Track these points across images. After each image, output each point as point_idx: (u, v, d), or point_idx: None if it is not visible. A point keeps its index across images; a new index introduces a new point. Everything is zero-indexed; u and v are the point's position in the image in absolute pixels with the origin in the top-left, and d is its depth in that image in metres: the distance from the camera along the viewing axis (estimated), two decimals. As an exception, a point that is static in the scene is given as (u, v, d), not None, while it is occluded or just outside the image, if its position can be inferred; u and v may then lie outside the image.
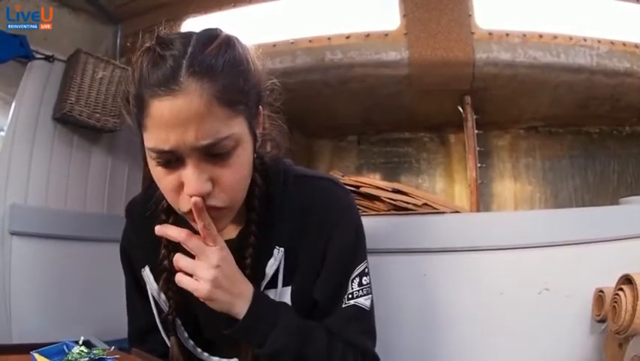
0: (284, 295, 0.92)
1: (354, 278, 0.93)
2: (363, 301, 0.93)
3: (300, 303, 0.93)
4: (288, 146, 0.96)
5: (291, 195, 0.93)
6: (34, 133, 2.16)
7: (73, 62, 2.18)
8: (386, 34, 2.41)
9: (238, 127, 0.76)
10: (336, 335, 0.91)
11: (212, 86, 0.71)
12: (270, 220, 0.91)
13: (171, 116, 0.70)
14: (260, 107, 0.84)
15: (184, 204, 0.77)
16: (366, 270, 0.96)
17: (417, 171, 3.27)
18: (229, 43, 0.77)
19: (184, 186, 0.75)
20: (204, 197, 0.75)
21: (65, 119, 2.22)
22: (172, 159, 0.74)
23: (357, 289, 0.93)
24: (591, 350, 1.43)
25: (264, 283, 0.90)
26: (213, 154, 0.74)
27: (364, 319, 0.95)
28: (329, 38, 2.45)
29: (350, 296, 0.92)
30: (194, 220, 0.79)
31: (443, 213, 1.67)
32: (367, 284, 0.95)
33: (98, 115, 2.22)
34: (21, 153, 2.12)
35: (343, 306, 0.92)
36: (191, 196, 0.74)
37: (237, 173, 0.78)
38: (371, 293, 0.96)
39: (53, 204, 2.22)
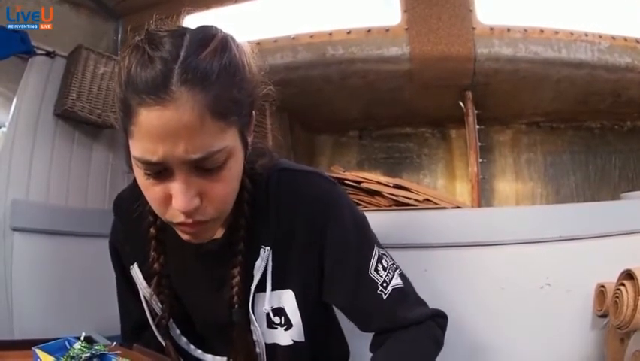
0: (280, 298, 0.90)
1: (376, 268, 0.90)
2: (396, 281, 0.90)
3: (307, 307, 0.91)
4: (285, 148, 0.94)
5: (274, 191, 0.89)
6: (35, 129, 2.16)
7: (75, 58, 2.19)
8: (387, 30, 2.40)
9: (230, 139, 0.72)
10: (400, 323, 0.90)
11: (205, 97, 0.66)
12: (253, 219, 0.88)
13: (160, 127, 0.65)
14: (252, 113, 0.80)
15: (172, 215, 0.74)
16: (381, 252, 0.92)
17: (418, 166, 3.27)
18: (225, 46, 0.71)
19: (172, 199, 0.72)
20: (191, 212, 0.72)
21: (66, 115, 2.22)
22: (160, 170, 0.70)
23: (385, 274, 0.90)
24: (593, 345, 1.43)
25: (254, 286, 0.88)
26: (204, 168, 0.70)
27: (409, 293, 0.93)
28: (330, 34, 2.45)
29: (385, 284, 0.89)
30: (181, 231, 0.78)
31: (444, 208, 1.67)
32: (390, 264, 0.93)
33: (99, 111, 2.22)
34: (22, 149, 2.12)
35: (385, 298, 0.88)
36: (180, 212, 0.72)
37: (227, 186, 0.75)
38: (397, 267, 0.94)
39: (54, 200, 2.22)
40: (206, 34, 0.72)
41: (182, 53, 0.67)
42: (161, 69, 0.65)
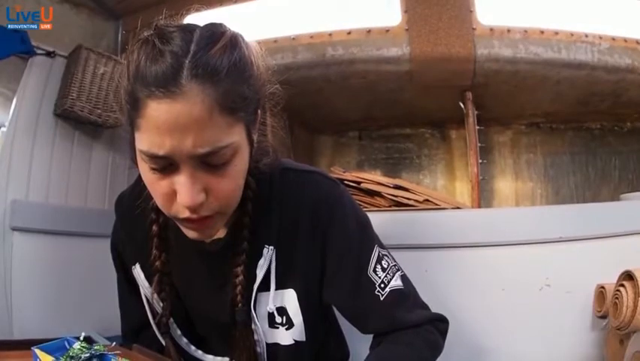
0: (282, 298, 0.90)
1: (374, 268, 0.89)
2: (396, 283, 0.90)
3: (308, 306, 0.91)
4: (286, 148, 0.93)
5: (277, 191, 0.89)
6: (35, 129, 2.16)
7: (75, 58, 2.18)
8: (387, 30, 2.40)
9: (237, 135, 0.72)
10: (397, 325, 0.89)
11: (214, 92, 0.66)
12: (257, 218, 0.88)
13: (169, 120, 0.65)
14: (258, 111, 0.80)
15: (178, 210, 0.74)
16: (382, 253, 0.92)
17: (418, 167, 3.27)
18: (235, 43, 0.71)
19: (177, 194, 0.71)
20: (197, 207, 0.72)
21: (66, 115, 2.22)
22: (165, 165, 0.69)
23: (384, 275, 0.89)
24: (592, 346, 1.43)
25: (256, 285, 0.87)
26: (210, 163, 0.70)
27: (408, 295, 0.92)
28: (330, 34, 2.45)
29: (383, 285, 0.88)
30: (187, 227, 0.77)
31: (444, 209, 1.67)
32: (392, 265, 0.92)
33: (99, 111, 2.22)
34: (22, 149, 2.12)
35: (383, 299, 0.88)
36: (185, 207, 0.71)
37: (233, 182, 0.75)
38: (398, 269, 0.93)
39: (54, 200, 2.22)
40: (216, 30, 0.72)
41: (192, 48, 0.67)
42: (172, 63, 0.65)
